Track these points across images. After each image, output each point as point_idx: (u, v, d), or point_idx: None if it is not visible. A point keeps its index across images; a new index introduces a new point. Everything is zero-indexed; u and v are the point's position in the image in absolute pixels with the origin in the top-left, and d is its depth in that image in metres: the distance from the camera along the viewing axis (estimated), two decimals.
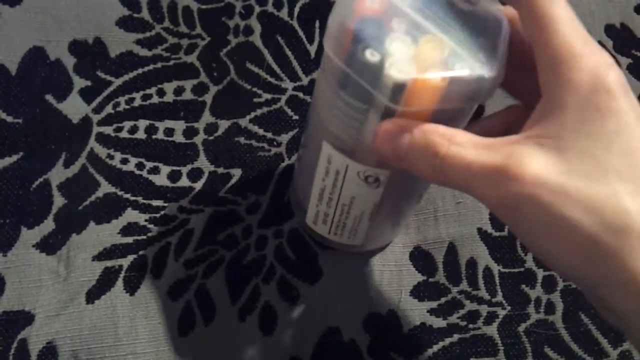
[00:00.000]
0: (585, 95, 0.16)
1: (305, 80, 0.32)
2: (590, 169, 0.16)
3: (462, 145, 0.18)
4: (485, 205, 0.20)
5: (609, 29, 0.34)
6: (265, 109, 0.31)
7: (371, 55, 0.17)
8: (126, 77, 0.31)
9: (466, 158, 0.17)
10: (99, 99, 0.31)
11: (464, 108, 0.20)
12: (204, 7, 0.32)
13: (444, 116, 0.19)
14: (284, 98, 0.32)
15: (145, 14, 0.31)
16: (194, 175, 0.30)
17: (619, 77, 0.17)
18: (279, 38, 0.32)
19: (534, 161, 0.16)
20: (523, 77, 0.19)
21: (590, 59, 0.16)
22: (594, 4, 0.34)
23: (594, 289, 0.18)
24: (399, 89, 0.17)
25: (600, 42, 0.34)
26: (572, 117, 0.16)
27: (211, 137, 0.31)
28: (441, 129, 0.18)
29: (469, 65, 0.18)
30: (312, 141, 0.23)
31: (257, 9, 0.32)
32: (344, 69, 0.18)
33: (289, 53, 0.32)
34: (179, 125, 0.31)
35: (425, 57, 0.17)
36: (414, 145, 0.18)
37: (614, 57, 0.33)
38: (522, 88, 0.21)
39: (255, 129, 0.31)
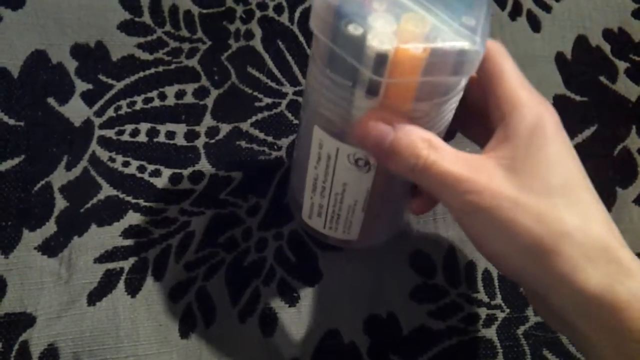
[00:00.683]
0: (531, 131, 0.20)
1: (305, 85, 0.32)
2: (537, 187, 0.19)
3: (440, 152, 0.20)
4: (447, 209, 0.22)
5: (607, 34, 0.34)
6: (266, 113, 0.32)
7: (354, 29, 0.18)
8: (127, 81, 0.31)
9: (442, 166, 0.20)
10: (100, 102, 0.31)
11: (450, 84, 0.20)
12: (205, 11, 0.32)
13: (431, 92, 0.20)
14: (284, 102, 0.32)
15: (146, 18, 0.32)
16: (195, 178, 0.30)
17: (555, 119, 0.21)
18: (280, 43, 0.32)
19: (495, 177, 0.20)
20: (474, 122, 0.24)
21: (534, 106, 0.21)
22: (592, 9, 0.34)
23: (537, 288, 0.20)
24: (382, 59, 0.18)
25: (598, 47, 0.34)
26: (522, 147, 0.20)
27: (212, 141, 0.31)
28: (422, 132, 0.20)
29: (450, 38, 0.18)
30: (305, 130, 0.24)
31: (258, 13, 0.32)
32: (329, 45, 0.19)
33: (289, 58, 0.32)
34: (180, 129, 0.31)
35: (407, 31, 0.18)
36: (396, 143, 0.20)
37: (611, 61, 0.34)
38: (474, 130, 0.25)
39: (256, 132, 0.31)
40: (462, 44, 0.18)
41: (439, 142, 0.20)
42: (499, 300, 0.30)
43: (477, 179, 0.20)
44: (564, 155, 0.21)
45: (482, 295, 0.30)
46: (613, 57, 0.34)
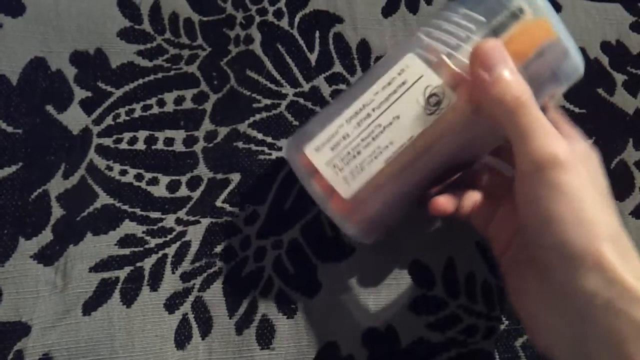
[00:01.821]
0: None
1: (306, 87, 0.32)
2: (597, 188, 0.23)
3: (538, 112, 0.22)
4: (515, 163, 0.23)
5: (605, 46, 0.34)
6: (264, 114, 0.31)
7: None
8: (126, 88, 0.31)
9: (539, 113, 0.22)
10: (99, 110, 0.31)
11: (542, 89, 0.24)
12: (205, 18, 0.32)
13: (534, 73, 0.23)
14: (284, 103, 0.32)
15: (146, 26, 0.32)
16: (193, 183, 0.30)
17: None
18: (280, 46, 0.32)
19: (580, 171, 0.21)
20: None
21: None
22: (590, 21, 0.34)
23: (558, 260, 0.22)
24: (516, 15, 0.23)
25: (596, 59, 0.34)
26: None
27: (210, 145, 0.31)
28: (525, 92, 0.22)
29: (574, 46, 0.23)
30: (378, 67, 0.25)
31: (258, 18, 0.32)
32: None
33: (289, 60, 0.32)
34: (179, 135, 0.31)
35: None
36: (511, 71, 0.22)
37: (610, 73, 0.34)
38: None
39: (254, 133, 0.31)
40: (578, 56, 0.23)
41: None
42: (498, 311, 0.30)
43: (569, 145, 0.22)
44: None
45: (482, 307, 0.30)
46: (611, 69, 0.34)
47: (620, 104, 0.34)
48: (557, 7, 0.34)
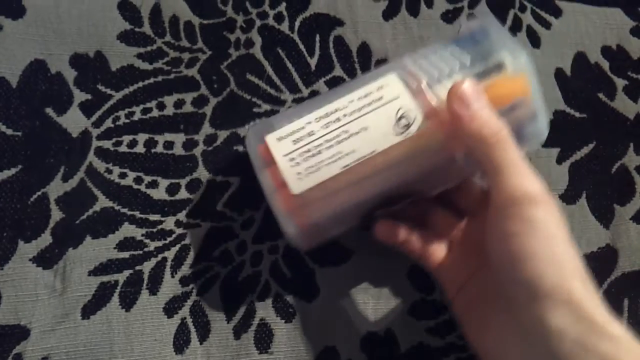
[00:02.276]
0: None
1: (305, 92, 0.32)
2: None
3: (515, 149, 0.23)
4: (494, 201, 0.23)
5: (606, 51, 0.35)
6: (264, 119, 0.32)
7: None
8: (126, 91, 0.31)
9: (517, 154, 0.23)
10: (98, 113, 0.31)
11: (514, 133, 0.24)
12: (205, 22, 0.32)
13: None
14: (283, 109, 0.32)
15: (146, 29, 0.32)
16: (193, 186, 0.30)
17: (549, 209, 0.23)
18: (280, 51, 0.32)
19: (553, 209, 0.23)
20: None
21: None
22: (591, 26, 0.35)
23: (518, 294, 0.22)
24: (499, 67, 0.24)
25: (597, 64, 0.34)
26: None
27: (210, 148, 0.31)
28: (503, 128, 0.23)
29: (544, 111, 0.24)
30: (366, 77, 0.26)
31: (258, 22, 0.32)
32: (481, 29, 0.25)
33: (289, 65, 0.32)
34: (179, 138, 0.31)
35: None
36: (488, 110, 0.23)
37: (610, 78, 0.34)
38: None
39: None
40: (544, 120, 0.25)
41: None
42: None
43: (542, 199, 0.22)
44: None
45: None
46: (612, 74, 0.34)
47: (620, 109, 0.34)
48: (558, 12, 0.35)
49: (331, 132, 0.24)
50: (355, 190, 0.25)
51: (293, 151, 0.24)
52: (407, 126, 0.24)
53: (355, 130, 0.24)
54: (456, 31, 0.27)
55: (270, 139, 0.25)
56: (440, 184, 0.27)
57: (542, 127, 0.25)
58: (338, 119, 0.24)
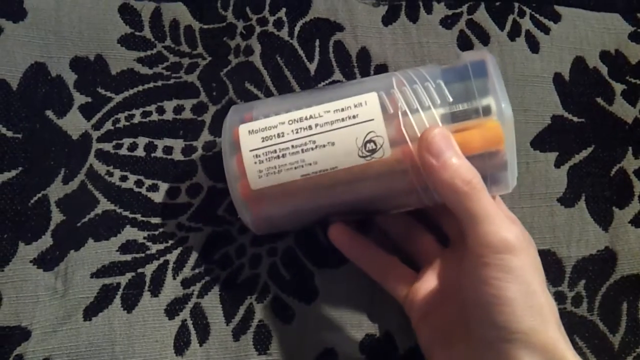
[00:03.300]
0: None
1: None
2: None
3: (488, 197, 0.24)
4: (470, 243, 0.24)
5: (604, 56, 0.36)
6: None
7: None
8: (126, 94, 0.32)
9: (491, 203, 0.24)
10: (98, 115, 0.32)
11: (485, 178, 0.26)
12: (205, 26, 0.33)
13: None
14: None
15: (147, 33, 0.33)
16: (193, 191, 0.31)
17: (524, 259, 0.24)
18: (279, 59, 0.33)
19: (530, 257, 0.24)
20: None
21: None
22: (590, 31, 0.36)
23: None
24: (486, 110, 0.25)
25: (595, 68, 0.35)
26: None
27: (209, 153, 0.32)
28: (475, 176, 0.24)
29: (514, 164, 0.25)
30: (348, 89, 0.27)
31: (258, 29, 0.33)
32: (476, 66, 0.26)
33: (288, 74, 0.33)
34: (178, 144, 0.32)
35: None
36: (460, 157, 0.24)
37: (608, 83, 0.35)
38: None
39: None
40: (514, 174, 0.25)
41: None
42: None
43: (521, 232, 0.24)
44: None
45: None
46: (610, 79, 0.35)
47: (619, 113, 0.35)
48: (557, 17, 0.36)
49: (300, 138, 0.25)
50: (311, 197, 0.26)
51: (260, 148, 0.26)
52: (373, 151, 0.25)
53: (322, 143, 0.25)
54: (454, 58, 0.28)
55: (242, 130, 0.26)
56: (398, 207, 0.29)
57: (510, 178, 0.26)
58: (310, 127, 0.25)
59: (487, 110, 0.25)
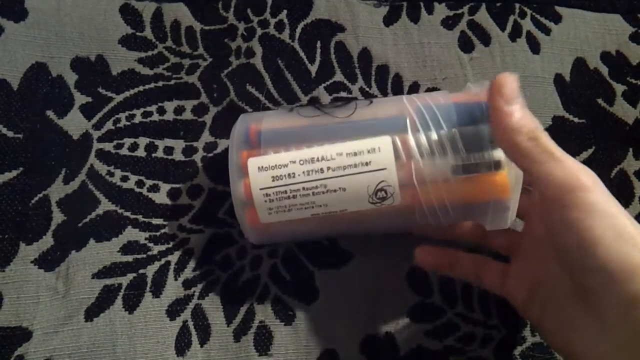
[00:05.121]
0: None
1: (304, 100, 0.33)
2: None
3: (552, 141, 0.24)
4: (543, 184, 0.24)
5: (605, 56, 0.36)
6: None
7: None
8: (127, 94, 0.32)
9: (558, 148, 0.23)
10: (99, 115, 0.32)
11: (467, 217, 0.28)
12: (206, 27, 0.34)
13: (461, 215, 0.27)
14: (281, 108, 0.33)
15: (148, 33, 0.33)
16: (194, 192, 0.32)
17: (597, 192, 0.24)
18: (280, 61, 0.34)
19: (605, 190, 0.23)
20: None
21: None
22: (590, 32, 0.36)
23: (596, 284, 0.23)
24: (497, 165, 0.25)
25: (596, 69, 0.36)
26: None
27: (210, 154, 0.32)
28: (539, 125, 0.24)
29: (514, 209, 0.26)
30: (369, 128, 0.27)
31: (259, 31, 0.34)
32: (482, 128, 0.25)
33: (289, 76, 0.34)
34: (179, 144, 0.32)
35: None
36: (519, 110, 0.24)
37: (609, 84, 0.35)
38: None
39: None
40: (513, 216, 0.26)
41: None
42: (495, 320, 0.32)
43: (590, 171, 0.23)
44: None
45: (479, 315, 0.32)
46: (611, 79, 0.36)
47: (620, 114, 0.36)
48: (558, 18, 0.36)
49: (311, 181, 0.25)
50: (317, 228, 0.28)
51: (270, 187, 0.26)
52: (383, 199, 0.25)
53: (334, 188, 0.25)
54: (464, 88, 0.28)
55: (252, 164, 0.26)
56: (399, 231, 0.31)
57: (510, 219, 0.26)
58: (321, 170, 0.25)
59: (498, 165, 0.25)
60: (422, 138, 0.25)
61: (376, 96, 0.34)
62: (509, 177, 0.25)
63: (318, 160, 0.25)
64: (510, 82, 0.24)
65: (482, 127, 0.25)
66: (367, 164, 0.25)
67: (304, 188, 0.25)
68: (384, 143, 0.25)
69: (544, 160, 0.23)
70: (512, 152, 0.24)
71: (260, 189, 0.26)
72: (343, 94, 0.34)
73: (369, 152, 0.25)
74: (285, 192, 0.26)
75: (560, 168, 0.23)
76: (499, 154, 0.25)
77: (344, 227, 0.28)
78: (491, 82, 0.25)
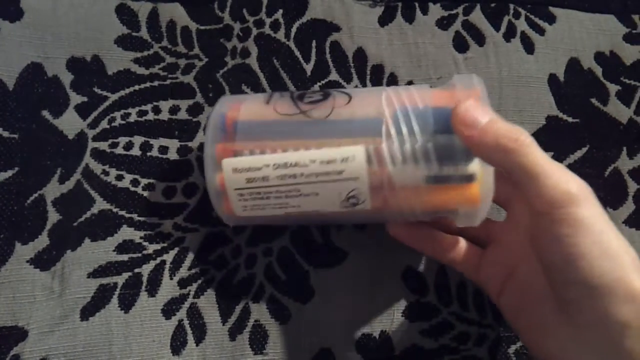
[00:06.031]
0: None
1: None
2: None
3: (540, 150, 0.23)
4: (532, 199, 0.23)
5: (599, 57, 0.36)
6: None
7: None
8: (122, 93, 0.33)
9: (544, 155, 0.23)
10: (94, 114, 0.32)
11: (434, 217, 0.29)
12: (202, 27, 0.34)
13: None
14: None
15: (144, 33, 0.33)
16: (189, 190, 0.32)
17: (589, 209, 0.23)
18: (275, 60, 0.34)
19: (595, 203, 0.23)
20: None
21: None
22: (584, 32, 0.37)
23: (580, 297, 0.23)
24: (469, 178, 0.25)
25: (590, 69, 0.36)
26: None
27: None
28: (522, 133, 0.24)
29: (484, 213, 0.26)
30: (340, 129, 0.26)
31: (255, 31, 0.34)
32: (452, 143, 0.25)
33: (284, 75, 0.34)
34: (173, 144, 0.32)
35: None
36: (495, 123, 0.24)
37: (603, 84, 0.36)
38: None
39: None
40: (483, 216, 0.26)
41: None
42: (490, 319, 0.32)
43: (580, 180, 0.23)
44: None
45: (474, 315, 0.32)
46: (604, 79, 0.36)
47: (613, 114, 0.36)
48: (552, 18, 0.37)
49: (284, 186, 0.26)
50: (291, 220, 0.29)
51: (244, 188, 0.26)
52: (355, 204, 0.26)
53: (306, 193, 0.26)
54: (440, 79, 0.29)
55: (226, 165, 0.26)
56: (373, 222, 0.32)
57: (477, 222, 0.26)
58: (294, 176, 0.26)
59: (470, 178, 0.25)
60: (396, 147, 0.25)
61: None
62: (482, 187, 0.25)
63: (292, 165, 0.26)
64: (467, 109, 0.24)
65: (458, 137, 0.25)
66: (340, 172, 0.25)
67: (277, 191, 0.26)
68: (357, 153, 0.25)
69: (531, 176, 0.23)
70: (501, 168, 0.24)
71: (235, 189, 0.26)
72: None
73: (342, 161, 0.25)
74: (259, 193, 0.26)
75: (548, 183, 0.22)
76: (473, 166, 0.25)
77: (319, 221, 0.31)
78: (452, 111, 0.24)
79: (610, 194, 0.35)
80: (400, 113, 0.26)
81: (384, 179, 0.25)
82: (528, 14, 0.36)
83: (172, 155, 0.32)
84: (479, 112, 0.24)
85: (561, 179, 0.22)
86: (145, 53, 0.33)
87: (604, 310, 0.21)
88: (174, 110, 0.33)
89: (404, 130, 0.25)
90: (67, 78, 0.32)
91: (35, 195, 0.31)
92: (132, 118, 0.32)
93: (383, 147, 0.25)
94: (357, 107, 0.27)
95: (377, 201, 0.26)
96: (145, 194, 0.32)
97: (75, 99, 0.32)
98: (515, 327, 0.28)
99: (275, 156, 0.26)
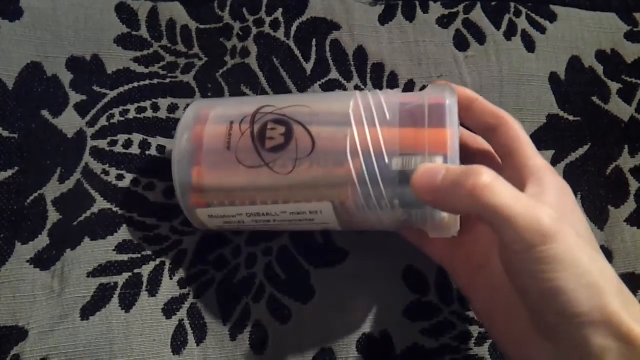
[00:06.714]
0: (561, 191, 0.26)
1: None
2: (584, 238, 0.25)
3: (499, 178, 0.22)
4: (505, 243, 0.23)
5: (600, 55, 0.36)
6: None
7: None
8: (121, 89, 0.33)
9: (506, 188, 0.22)
10: (93, 112, 0.32)
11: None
12: (202, 27, 0.34)
13: None
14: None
15: (143, 32, 0.33)
16: None
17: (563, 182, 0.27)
18: (275, 59, 0.34)
19: (568, 232, 0.22)
20: None
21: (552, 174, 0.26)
22: (586, 31, 0.37)
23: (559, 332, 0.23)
24: (438, 227, 0.26)
25: (591, 68, 0.36)
26: (557, 203, 0.25)
27: None
28: (476, 175, 0.23)
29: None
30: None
31: (255, 30, 0.34)
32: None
33: (284, 74, 0.34)
34: (171, 144, 0.32)
35: None
36: (451, 171, 0.23)
37: (604, 82, 0.36)
38: None
39: None
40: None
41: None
42: None
43: (554, 228, 0.22)
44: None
45: (474, 314, 0.32)
46: (606, 78, 0.36)
47: (615, 112, 0.36)
48: (553, 17, 0.37)
49: (260, 223, 0.28)
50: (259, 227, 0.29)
51: (221, 225, 0.29)
52: (326, 230, 0.29)
53: (281, 228, 0.29)
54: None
55: (202, 213, 0.28)
56: None
57: (450, 235, 0.26)
58: (268, 220, 0.27)
59: (439, 227, 0.26)
60: (362, 201, 0.26)
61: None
62: (451, 225, 0.26)
63: (264, 214, 0.27)
64: (420, 176, 0.24)
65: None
66: (310, 220, 0.27)
67: (254, 227, 0.29)
68: (325, 208, 0.26)
69: (499, 221, 0.22)
70: (475, 216, 0.23)
71: (215, 225, 0.29)
72: (338, 92, 0.34)
73: (311, 212, 0.27)
74: (238, 226, 0.29)
75: (519, 225, 0.22)
76: (441, 214, 0.25)
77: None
78: (410, 183, 0.24)
79: (611, 193, 0.35)
80: (364, 166, 0.25)
81: (353, 217, 0.27)
82: (529, 12, 0.36)
83: (170, 154, 0.32)
84: (431, 174, 0.23)
85: (531, 218, 0.22)
86: (145, 52, 0.33)
87: (581, 336, 0.22)
88: (172, 108, 0.33)
89: (369, 183, 0.25)
90: (66, 77, 0.32)
91: (35, 194, 0.31)
92: (131, 115, 0.32)
93: (349, 202, 0.26)
94: (322, 159, 0.26)
95: (349, 226, 0.28)
96: (146, 193, 0.32)
97: (75, 98, 0.32)
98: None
99: (248, 208, 0.27)
